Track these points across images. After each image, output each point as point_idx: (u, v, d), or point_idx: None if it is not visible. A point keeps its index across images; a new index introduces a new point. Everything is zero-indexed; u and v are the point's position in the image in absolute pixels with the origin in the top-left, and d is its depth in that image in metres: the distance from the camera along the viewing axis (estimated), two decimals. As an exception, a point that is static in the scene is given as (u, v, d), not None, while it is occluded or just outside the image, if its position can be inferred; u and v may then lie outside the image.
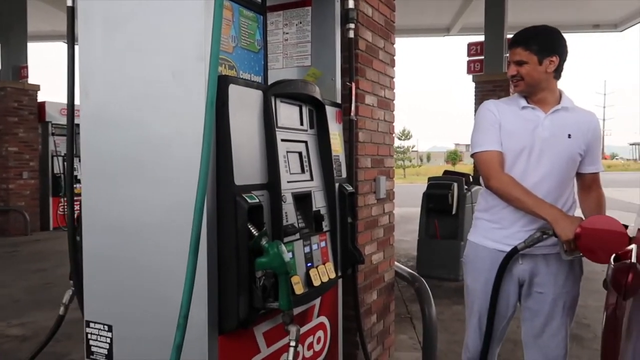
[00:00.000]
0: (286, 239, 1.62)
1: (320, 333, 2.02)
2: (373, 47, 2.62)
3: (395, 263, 3.03)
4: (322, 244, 1.87)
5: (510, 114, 1.93)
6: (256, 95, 1.61)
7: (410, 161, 43.74)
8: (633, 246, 1.57)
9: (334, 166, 1.99)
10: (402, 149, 41.02)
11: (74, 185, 1.80)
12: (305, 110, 1.91)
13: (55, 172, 9.48)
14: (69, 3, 1.75)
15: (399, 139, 41.50)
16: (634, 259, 1.45)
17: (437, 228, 5.41)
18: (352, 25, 2.28)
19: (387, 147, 2.85)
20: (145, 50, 1.53)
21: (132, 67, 1.55)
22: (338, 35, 2.22)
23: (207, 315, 1.42)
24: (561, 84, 1.98)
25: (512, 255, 1.86)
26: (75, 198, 1.82)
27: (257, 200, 1.49)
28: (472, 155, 2.00)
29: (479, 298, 1.99)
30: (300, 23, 2.24)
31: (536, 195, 1.82)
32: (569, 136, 1.88)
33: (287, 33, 2.27)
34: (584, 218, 1.83)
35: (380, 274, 2.80)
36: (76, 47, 1.70)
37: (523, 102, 1.94)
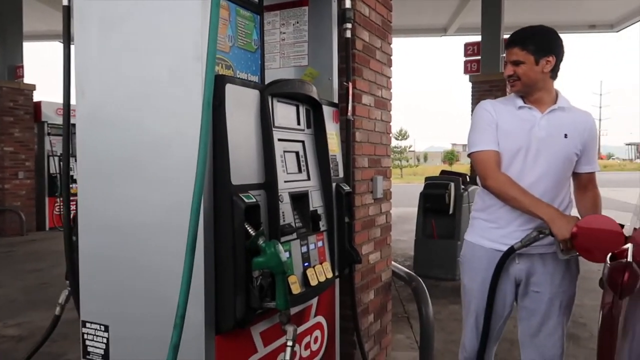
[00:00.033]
0: (283, 239, 1.62)
1: (317, 333, 2.02)
2: (370, 47, 2.62)
3: (392, 263, 3.03)
4: (319, 243, 1.87)
5: (506, 114, 1.94)
6: (253, 94, 1.60)
7: (407, 161, 43.77)
8: (629, 245, 1.58)
9: (331, 166, 1.99)
10: (399, 149, 41.05)
11: (70, 185, 1.80)
12: (302, 110, 1.91)
13: (51, 172, 9.44)
14: (65, 2, 1.75)
15: (396, 139, 41.55)
16: (630, 258, 1.46)
17: (434, 228, 5.41)
18: (349, 25, 2.28)
19: (384, 147, 2.85)
20: (142, 50, 1.53)
21: (129, 67, 1.55)
22: (335, 35, 2.22)
23: (203, 315, 1.42)
24: (558, 84, 1.98)
25: (508, 255, 1.87)
26: (71, 198, 1.82)
27: (254, 200, 1.48)
28: (469, 155, 2.00)
29: (476, 297, 1.99)
30: (297, 23, 2.24)
31: (533, 194, 1.83)
32: (565, 136, 1.89)
33: (284, 33, 2.27)
34: (580, 217, 1.83)
35: (377, 273, 2.80)
36: (72, 47, 1.69)
37: (520, 102, 1.94)
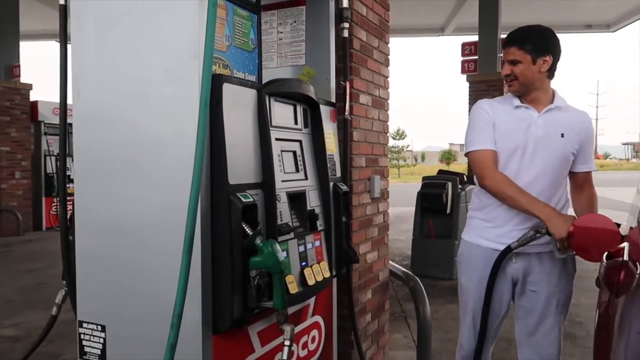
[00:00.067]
0: (280, 238, 1.62)
1: (314, 332, 2.02)
2: (367, 47, 2.62)
3: (390, 262, 3.03)
4: (317, 243, 1.87)
5: (504, 113, 1.94)
6: (250, 94, 1.60)
7: (405, 161, 43.82)
8: (625, 244, 1.58)
9: (329, 165, 1.99)
10: (396, 149, 41.09)
11: (67, 185, 1.80)
12: (299, 109, 1.91)
13: (48, 171, 9.41)
14: (62, 1, 1.74)
15: (394, 138, 41.59)
16: (626, 257, 1.46)
17: (432, 227, 5.42)
18: (346, 25, 2.28)
19: (381, 146, 2.85)
20: (139, 49, 1.52)
21: (125, 66, 1.55)
22: (332, 35, 2.22)
23: (201, 315, 1.42)
24: (554, 84, 1.99)
25: (505, 254, 1.87)
26: (68, 198, 1.81)
27: (252, 200, 1.48)
28: (466, 154, 2.00)
29: (473, 297, 1.99)
30: (295, 22, 2.24)
31: (530, 194, 1.83)
32: (562, 135, 1.90)
33: (281, 32, 2.26)
34: (576, 217, 1.84)
35: (374, 273, 2.80)
36: (69, 46, 1.69)
37: (516, 102, 1.95)
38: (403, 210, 10.08)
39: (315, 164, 1.96)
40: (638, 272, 1.29)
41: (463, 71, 8.61)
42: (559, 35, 1.94)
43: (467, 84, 8.51)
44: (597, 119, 74.15)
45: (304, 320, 1.94)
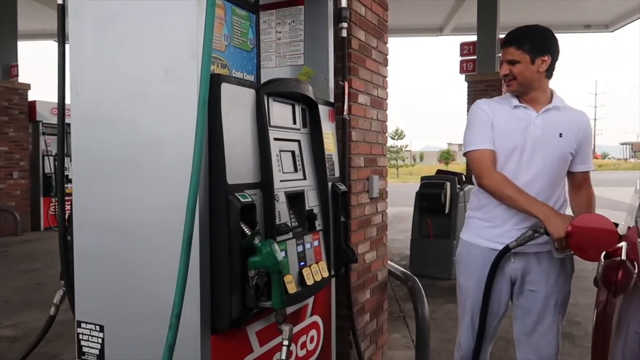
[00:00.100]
0: (279, 238, 1.62)
1: (313, 332, 2.02)
2: (366, 46, 2.62)
3: (388, 262, 3.03)
4: (315, 243, 1.87)
5: (502, 113, 1.94)
6: (249, 94, 1.60)
7: (404, 161, 43.86)
8: (623, 244, 1.59)
9: (327, 165, 1.99)
10: (395, 149, 41.12)
11: (65, 185, 1.79)
12: (298, 109, 1.91)
13: (46, 171, 9.39)
14: (60, 1, 1.74)
15: (392, 138, 41.62)
16: (623, 257, 1.47)
17: (430, 227, 5.42)
18: (345, 25, 2.28)
19: (380, 146, 2.85)
20: (137, 49, 1.52)
21: (124, 66, 1.54)
22: (331, 34, 2.22)
23: (199, 315, 1.42)
24: (553, 84, 1.99)
25: (504, 254, 1.87)
26: (66, 198, 1.81)
27: (250, 199, 1.48)
28: (465, 154, 2.00)
29: (472, 296, 1.99)
30: (293, 22, 2.24)
31: (528, 193, 1.83)
32: (560, 135, 1.90)
33: (280, 32, 2.26)
34: (574, 216, 1.84)
35: (373, 273, 2.80)
36: (67, 46, 1.69)
37: (515, 101, 1.95)
38: (402, 210, 10.09)
39: (314, 163, 1.96)
40: (636, 271, 1.29)
41: (461, 71, 8.62)
42: (557, 35, 1.94)
43: (466, 84, 8.52)
44: (595, 119, 74.33)
45: (303, 320, 1.94)
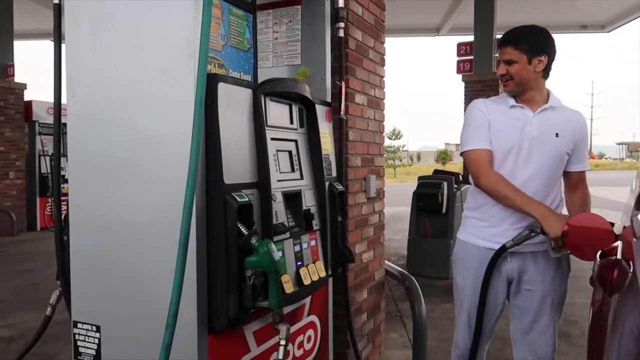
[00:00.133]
0: (276, 238, 1.62)
1: (310, 332, 2.02)
2: (363, 46, 2.62)
3: (386, 262, 3.04)
4: (312, 242, 1.87)
5: (499, 113, 1.95)
6: (246, 93, 1.60)
7: (401, 160, 43.87)
8: (619, 243, 1.59)
9: (324, 165, 1.99)
10: (392, 149, 41.15)
11: (61, 185, 1.79)
12: (295, 109, 1.91)
13: (42, 172, 9.35)
14: (56, 0, 1.73)
15: (389, 138, 41.65)
16: (619, 256, 1.47)
17: (427, 227, 5.43)
18: (342, 24, 2.28)
19: (377, 146, 2.85)
20: (134, 48, 1.52)
21: (120, 65, 1.54)
22: (328, 34, 2.22)
23: (196, 315, 1.41)
24: (549, 84, 2.00)
25: (500, 253, 1.88)
26: (62, 198, 1.80)
27: (247, 199, 1.48)
28: (462, 154, 2.01)
29: (468, 296, 2.00)
30: (290, 22, 2.24)
31: (525, 193, 1.84)
32: (557, 135, 1.91)
33: (277, 32, 2.26)
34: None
35: (370, 272, 2.80)
36: (63, 46, 1.68)
37: (512, 101, 1.95)
38: (399, 209, 10.10)
39: (311, 163, 1.96)
40: (631, 270, 1.30)
41: (459, 71, 8.63)
42: (554, 36, 1.95)
43: (463, 84, 8.53)
44: (591, 119, 74.57)
45: (300, 319, 1.94)
